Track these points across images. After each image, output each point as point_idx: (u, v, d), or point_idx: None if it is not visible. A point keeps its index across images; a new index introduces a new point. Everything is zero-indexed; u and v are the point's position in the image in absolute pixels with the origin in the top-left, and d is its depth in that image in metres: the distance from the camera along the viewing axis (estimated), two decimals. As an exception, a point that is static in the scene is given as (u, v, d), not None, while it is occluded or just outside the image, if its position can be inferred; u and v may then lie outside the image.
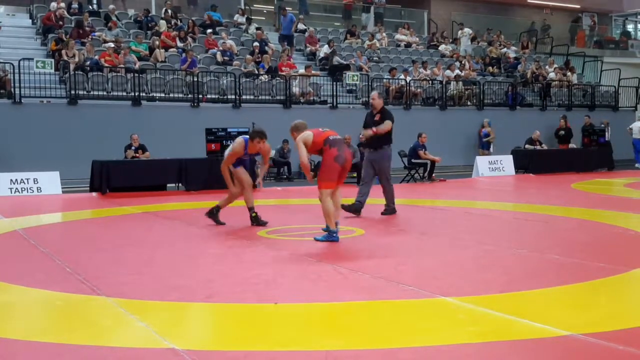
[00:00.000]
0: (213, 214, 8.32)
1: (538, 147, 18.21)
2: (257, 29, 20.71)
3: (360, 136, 9.38)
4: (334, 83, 18.71)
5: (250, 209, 8.25)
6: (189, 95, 16.81)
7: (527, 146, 18.15)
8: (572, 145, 19.70)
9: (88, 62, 16.25)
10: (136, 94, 16.00)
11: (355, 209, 9.06)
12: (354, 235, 7.41)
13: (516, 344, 3.62)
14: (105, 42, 17.45)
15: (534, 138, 18.37)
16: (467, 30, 24.73)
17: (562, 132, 19.25)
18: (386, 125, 8.97)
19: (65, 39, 16.55)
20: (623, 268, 5.43)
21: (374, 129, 8.94)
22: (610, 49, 29.33)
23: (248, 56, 18.56)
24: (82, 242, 7.38)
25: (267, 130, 16.59)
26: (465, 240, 7.05)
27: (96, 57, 16.47)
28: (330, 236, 6.87)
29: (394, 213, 9.28)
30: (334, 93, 18.47)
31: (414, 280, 5.08)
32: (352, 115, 18.62)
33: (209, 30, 19.69)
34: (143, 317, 4.12)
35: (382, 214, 9.21)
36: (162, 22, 19.42)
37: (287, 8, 22.23)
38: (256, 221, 8.19)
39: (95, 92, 15.90)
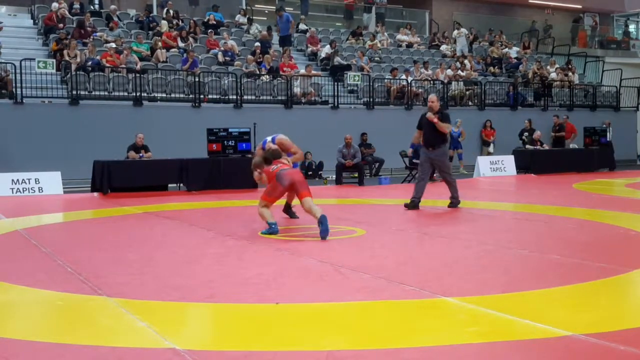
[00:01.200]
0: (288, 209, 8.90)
1: (539, 147, 18.21)
2: (268, 28, 20.72)
3: (410, 151, 10.15)
4: (335, 83, 18.71)
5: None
6: (190, 96, 16.82)
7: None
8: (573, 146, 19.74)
9: (89, 63, 16.26)
10: (137, 94, 16.01)
11: (413, 205, 9.86)
12: (355, 236, 7.41)
13: (517, 344, 3.62)
14: (107, 42, 17.47)
15: (535, 138, 18.38)
16: (463, 30, 24.68)
17: (527, 134, 18.94)
18: (447, 125, 9.87)
19: (67, 39, 16.55)
20: (624, 268, 5.42)
21: (436, 119, 9.70)
22: (612, 49, 29.30)
23: (249, 56, 18.57)
24: (83, 242, 7.38)
25: (268, 131, 16.68)
26: (466, 240, 7.04)
27: (97, 57, 16.49)
28: (270, 228, 7.43)
29: (459, 204, 9.94)
30: (336, 93, 18.47)
31: (415, 280, 5.08)
32: (353, 115, 18.65)
33: (210, 31, 19.70)
34: (144, 317, 4.12)
35: (449, 206, 9.92)
36: (164, 23, 19.43)
37: (287, 8, 22.25)
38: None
39: (97, 93, 15.92)
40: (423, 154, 10.09)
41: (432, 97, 10.20)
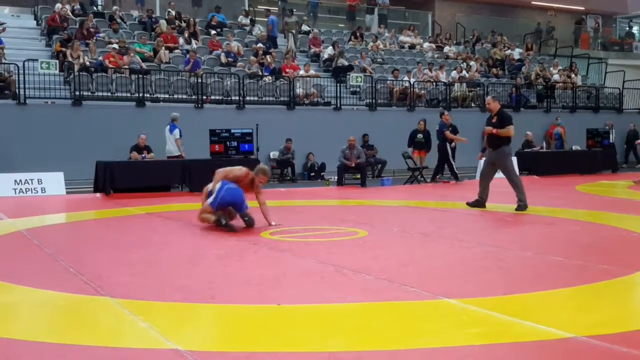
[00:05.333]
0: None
1: (536, 149, 18.22)
2: (286, 31, 20.71)
3: (480, 156, 10.26)
4: (338, 84, 18.70)
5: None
6: (193, 96, 16.83)
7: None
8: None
9: (91, 63, 16.26)
10: (140, 95, 16.02)
11: (479, 204, 9.96)
12: (357, 237, 7.41)
13: (519, 346, 3.61)
14: (110, 43, 17.48)
15: (528, 139, 18.39)
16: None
17: (420, 136, 16.61)
18: (508, 130, 9.72)
19: (70, 40, 16.56)
20: (626, 270, 5.41)
21: (495, 130, 9.72)
22: (615, 50, 29.28)
23: (252, 57, 18.58)
24: (85, 242, 7.39)
25: (270, 131, 16.64)
26: (468, 241, 7.03)
27: (100, 58, 16.51)
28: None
29: (526, 209, 9.64)
30: (338, 94, 18.47)
31: (417, 281, 5.07)
32: (355, 116, 18.65)
33: (213, 32, 19.71)
34: (146, 318, 4.12)
35: (516, 210, 9.66)
36: (163, 22, 19.42)
37: (292, 9, 22.29)
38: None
39: (100, 93, 15.93)
40: (487, 155, 10.24)
41: (488, 99, 10.44)
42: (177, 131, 14.09)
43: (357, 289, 4.89)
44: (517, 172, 9.98)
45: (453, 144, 15.75)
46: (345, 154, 14.87)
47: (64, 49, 16.43)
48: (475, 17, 28.42)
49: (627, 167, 21.16)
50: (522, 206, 9.68)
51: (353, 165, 14.80)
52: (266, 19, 21.74)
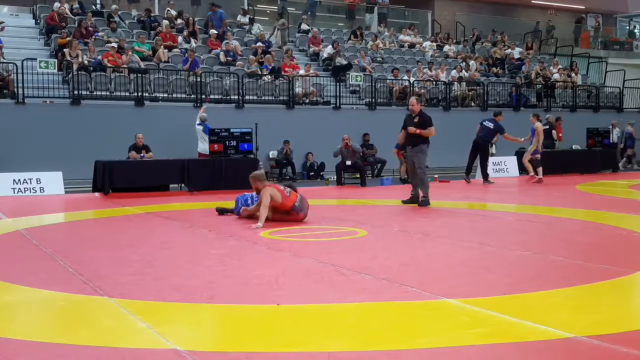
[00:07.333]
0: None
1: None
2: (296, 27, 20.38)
3: (395, 152, 11.22)
4: (337, 83, 18.68)
5: None
6: (192, 96, 16.81)
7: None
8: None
9: (90, 62, 16.23)
10: (139, 94, 16.00)
11: (412, 201, 10.53)
12: (357, 237, 7.39)
13: (519, 345, 3.60)
14: (109, 42, 17.46)
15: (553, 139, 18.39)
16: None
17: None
18: (430, 131, 10.22)
19: (67, 39, 16.53)
20: (627, 270, 5.40)
21: (419, 130, 10.17)
22: (615, 50, 29.28)
23: (251, 56, 18.56)
24: (84, 242, 7.38)
25: (270, 131, 16.64)
26: (468, 241, 7.02)
27: (99, 57, 16.48)
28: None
29: (429, 204, 10.23)
30: (338, 94, 18.45)
31: (417, 281, 5.06)
32: (355, 116, 18.63)
33: (213, 31, 19.68)
34: (145, 318, 4.11)
35: (419, 205, 10.29)
36: (165, 22, 19.40)
37: (290, 9, 22.23)
38: None
39: (98, 93, 15.91)
40: (408, 152, 10.79)
41: (412, 100, 10.77)
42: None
43: (357, 289, 4.87)
44: (426, 171, 10.53)
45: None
46: (342, 153, 14.78)
47: (63, 44, 16.38)
48: (475, 16, 28.43)
49: (634, 167, 21.20)
50: (425, 201, 10.31)
51: (350, 162, 14.70)
52: (267, 18, 21.62)
